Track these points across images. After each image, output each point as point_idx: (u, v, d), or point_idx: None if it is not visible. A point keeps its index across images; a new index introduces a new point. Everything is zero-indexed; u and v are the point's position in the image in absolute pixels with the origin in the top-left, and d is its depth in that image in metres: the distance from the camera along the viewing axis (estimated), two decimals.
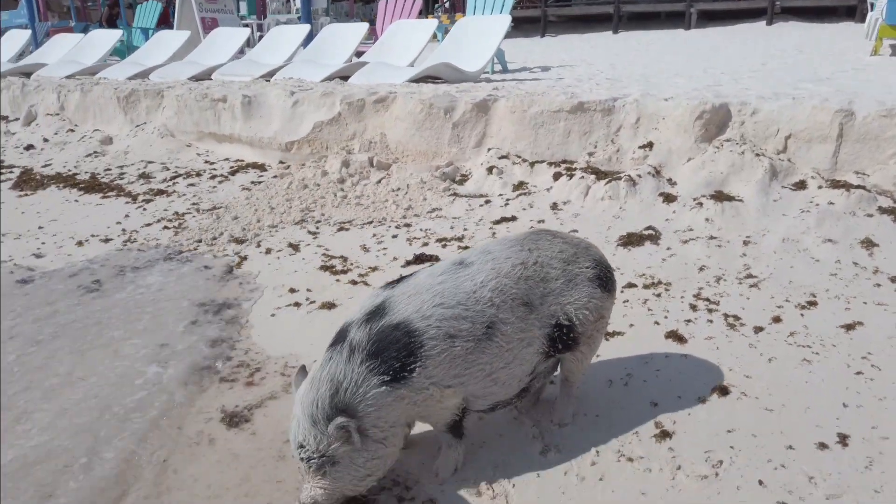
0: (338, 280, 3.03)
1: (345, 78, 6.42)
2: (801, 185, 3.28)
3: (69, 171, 5.20)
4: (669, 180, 3.55)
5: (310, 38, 8.77)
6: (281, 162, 4.83)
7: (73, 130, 6.19)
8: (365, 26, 7.76)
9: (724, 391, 2.13)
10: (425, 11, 23.42)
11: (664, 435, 1.96)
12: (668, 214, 3.31)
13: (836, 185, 3.20)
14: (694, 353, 2.34)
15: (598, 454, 1.90)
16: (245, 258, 3.33)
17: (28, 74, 8.55)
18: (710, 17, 18.65)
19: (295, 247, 3.43)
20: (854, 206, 3.05)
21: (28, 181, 4.95)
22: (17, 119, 6.84)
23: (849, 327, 2.39)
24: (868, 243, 2.87)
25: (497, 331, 1.68)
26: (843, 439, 1.90)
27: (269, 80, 6.41)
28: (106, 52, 9.57)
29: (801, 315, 2.49)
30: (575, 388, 2.00)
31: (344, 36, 7.76)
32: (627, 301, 2.69)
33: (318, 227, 3.66)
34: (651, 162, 3.65)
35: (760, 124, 3.50)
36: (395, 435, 1.63)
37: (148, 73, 7.77)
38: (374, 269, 3.11)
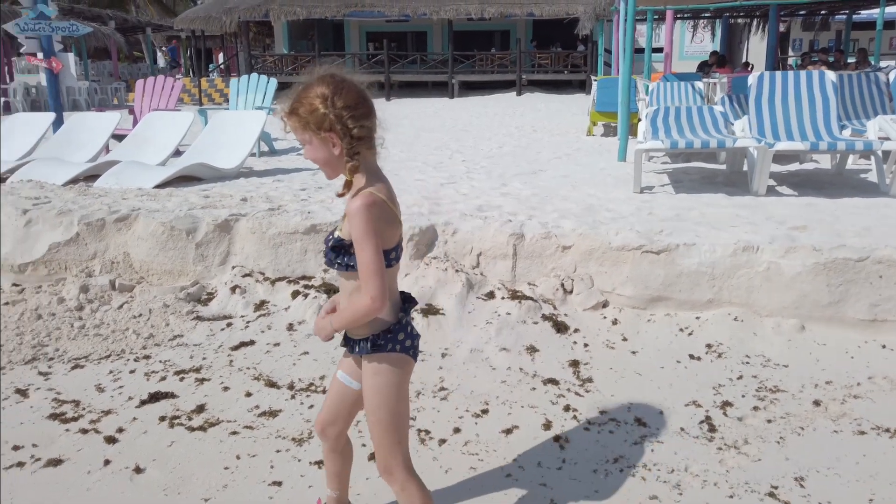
0: (67, 430, 3.08)
1: (94, 177, 6.28)
2: (490, 296, 4.02)
3: None
4: None
5: (59, 122, 8.34)
6: (15, 284, 4.63)
7: None
8: (117, 117, 7.61)
9: None
10: (199, 72, 22.93)
11: None
12: None
13: (514, 295, 3.97)
14: None
15: None
16: None
17: None
18: (471, 87, 20.71)
19: (23, 392, 3.39)
20: (525, 314, 3.82)
21: None
22: None
23: (507, 431, 3.04)
24: (532, 349, 3.64)
25: None
26: None
27: (3, 180, 6.04)
28: None
29: (475, 423, 3.10)
30: None
31: (93, 126, 7.53)
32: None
33: (50, 367, 3.63)
34: None
35: (459, 243, 4.21)
36: None
37: None
38: (108, 412, 3.21)
